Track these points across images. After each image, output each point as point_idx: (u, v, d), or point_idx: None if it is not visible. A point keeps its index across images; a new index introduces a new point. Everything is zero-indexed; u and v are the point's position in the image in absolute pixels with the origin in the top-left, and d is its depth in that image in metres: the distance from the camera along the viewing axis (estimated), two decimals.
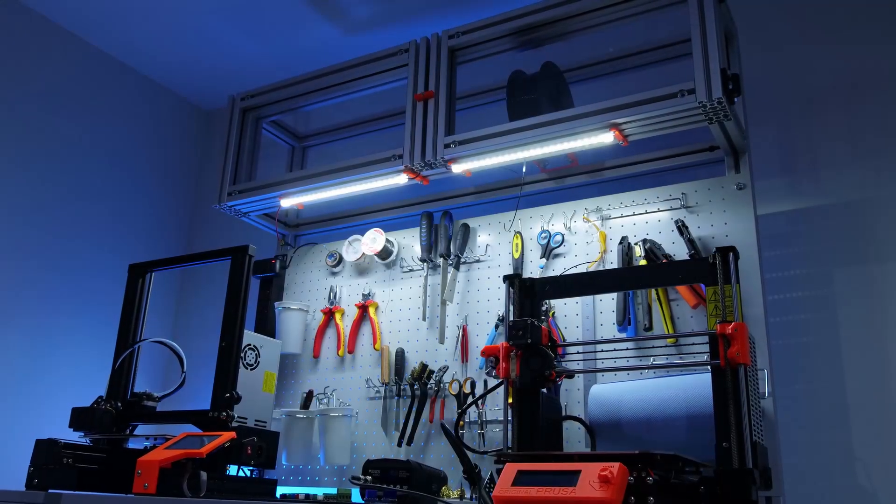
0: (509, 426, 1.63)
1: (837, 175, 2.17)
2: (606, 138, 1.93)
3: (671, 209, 2.08)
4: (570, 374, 1.84)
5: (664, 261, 2.01)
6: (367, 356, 2.45)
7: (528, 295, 1.71)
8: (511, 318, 1.67)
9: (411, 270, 2.47)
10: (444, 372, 2.28)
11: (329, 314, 2.56)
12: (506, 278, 1.74)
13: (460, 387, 2.22)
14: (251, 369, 2.18)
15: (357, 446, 2.36)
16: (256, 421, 2.13)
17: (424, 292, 2.39)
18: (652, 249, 2.02)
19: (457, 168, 2.15)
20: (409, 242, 2.51)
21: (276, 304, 2.58)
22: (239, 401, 1.79)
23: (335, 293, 2.58)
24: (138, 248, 3.20)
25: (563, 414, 1.88)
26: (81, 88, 3.08)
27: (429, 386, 2.27)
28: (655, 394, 1.76)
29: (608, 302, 2.09)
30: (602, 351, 1.97)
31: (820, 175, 2.19)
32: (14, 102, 2.82)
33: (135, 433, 1.91)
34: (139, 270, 2.10)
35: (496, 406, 2.14)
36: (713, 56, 1.76)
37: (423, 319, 2.38)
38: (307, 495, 1.99)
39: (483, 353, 1.67)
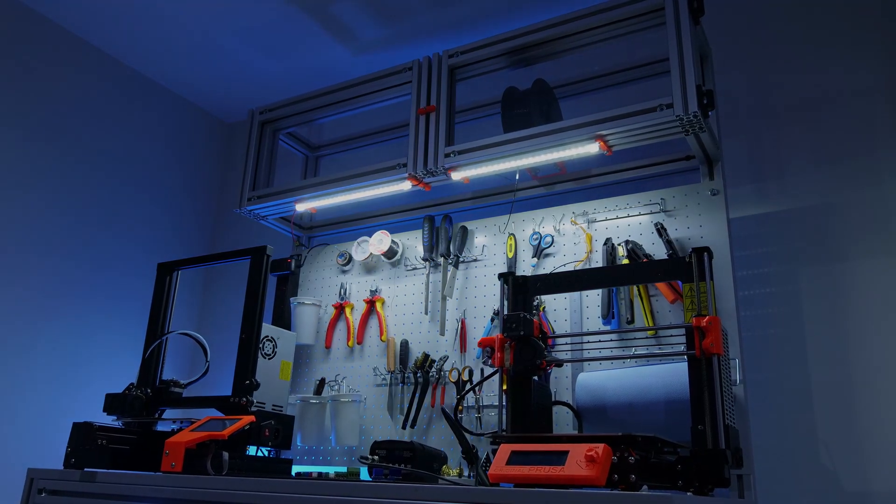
0: (504, 411, 1.63)
1: (801, 182, 2.17)
2: (592, 148, 1.93)
3: (651, 213, 2.08)
4: (560, 363, 1.83)
5: (645, 260, 2.00)
6: (374, 347, 2.45)
7: (521, 291, 1.71)
8: (505, 313, 1.67)
9: (414, 269, 2.47)
10: (445, 361, 2.27)
11: (340, 309, 2.56)
12: (501, 276, 1.74)
13: (459, 375, 2.21)
14: (269, 359, 2.18)
15: (365, 429, 2.36)
16: (273, 406, 2.13)
17: (426, 289, 2.39)
18: (633, 250, 2.02)
19: (456, 175, 2.15)
20: (413, 243, 2.51)
21: (291, 299, 2.58)
22: (258, 387, 1.79)
23: (345, 289, 2.58)
24: (166, 248, 3.20)
25: (553, 399, 1.87)
26: (115, 104, 3.08)
27: (430, 374, 2.27)
28: (637, 381, 1.75)
29: (594, 297, 2.09)
30: (588, 342, 1.97)
31: (786, 182, 2.19)
32: (54, 117, 2.82)
33: (163, 417, 1.91)
34: (167, 269, 2.10)
35: (492, 392, 2.14)
36: (689, 74, 1.76)
37: (426, 313, 2.37)
38: (320, 473, 1.99)
39: (480, 344, 1.67)
